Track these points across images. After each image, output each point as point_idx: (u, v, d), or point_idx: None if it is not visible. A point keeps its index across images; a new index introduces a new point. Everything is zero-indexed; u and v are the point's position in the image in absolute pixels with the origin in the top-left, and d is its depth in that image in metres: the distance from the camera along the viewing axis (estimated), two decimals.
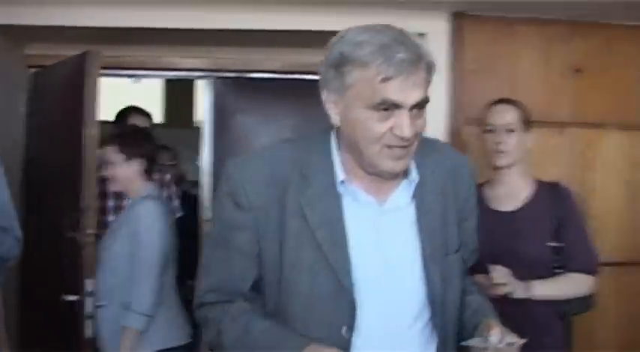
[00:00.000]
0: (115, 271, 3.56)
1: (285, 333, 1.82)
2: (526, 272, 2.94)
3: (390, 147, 1.78)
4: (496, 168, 3.17)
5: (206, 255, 1.99)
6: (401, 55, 1.71)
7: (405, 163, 1.83)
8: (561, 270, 3.04)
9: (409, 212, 1.92)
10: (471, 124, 4.01)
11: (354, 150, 1.85)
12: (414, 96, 1.74)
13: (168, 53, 4.68)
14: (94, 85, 3.86)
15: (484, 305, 2.04)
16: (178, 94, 7.14)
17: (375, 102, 1.74)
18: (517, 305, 2.86)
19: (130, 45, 4.53)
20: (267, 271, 1.88)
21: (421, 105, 1.77)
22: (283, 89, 4.71)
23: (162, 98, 8.01)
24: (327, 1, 3.99)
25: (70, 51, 4.23)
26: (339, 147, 1.91)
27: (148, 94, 7.78)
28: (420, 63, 1.74)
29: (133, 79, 5.94)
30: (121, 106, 4.92)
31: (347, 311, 1.82)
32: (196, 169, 5.28)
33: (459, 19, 4.20)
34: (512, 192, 3.16)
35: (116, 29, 4.14)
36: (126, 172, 3.67)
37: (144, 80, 6.67)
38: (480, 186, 3.19)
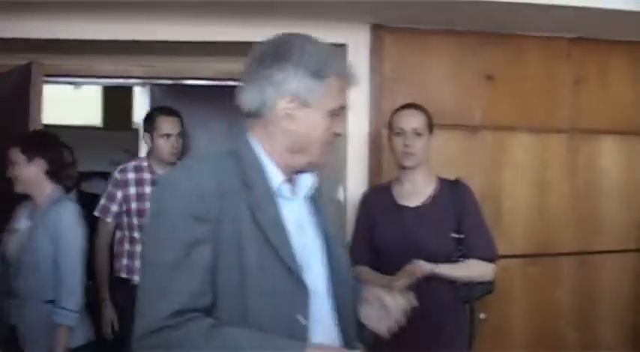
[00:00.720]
0: (38, 272, 3.54)
1: (274, 338, 1.85)
2: (431, 261, 3.16)
3: (330, 143, 2.03)
4: (403, 168, 3.41)
5: (157, 275, 1.86)
6: (348, 67, 2.03)
7: (330, 156, 2.09)
8: (462, 259, 3.29)
9: (309, 206, 2.11)
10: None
11: (292, 152, 2.01)
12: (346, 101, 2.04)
13: (107, 62, 4.86)
14: (39, 92, 4.11)
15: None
16: (117, 99, 7.36)
17: (333, 108, 1.99)
18: (424, 290, 2.91)
19: (71, 54, 4.68)
20: (223, 281, 1.88)
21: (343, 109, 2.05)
22: (214, 95, 4.86)
23: (102, 103, 8.21)
24: (251, 15, 4.17)
25: (15, 60, 4.46)
26: (269, 151, 2.02)
27: (88, 100, 8.00)
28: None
29: (73, 85, 6.11)
30: (63, 111, 5.09)
31: (301, 298, 1.93)
32: None
33: (378, 31, 4.39)
34: (417, 190, 3.41)
35: (57, 40, 4.26)
36: (28, 173, 3.63)
37: (84, 87, 6.83)
38: (389, 184, 3.49)
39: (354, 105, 4.09)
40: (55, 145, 3.76)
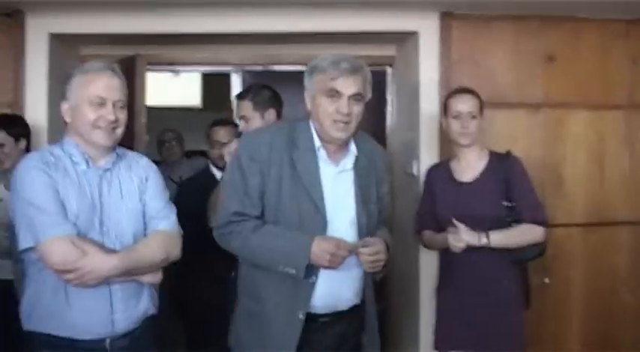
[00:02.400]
0: None
1: (297, 232, 2.84)
2: (486, 229, 3.55)
3: (335, 121, 2.86)
4: (459, 147, 3.82)
5: (227, 190, 2.98)
6: (343, 65, 2.83)
7: (345, 134, 2.89)
8: (515, 224, 3.62)
9: (351, 174, 3.00)
10: None
11: (318, 124, 2.92)
12: (350, 90, 2.84)
13: (203, 51, 5.34)
14: (143, 82, 4.63)
15: (381, 234, 3.05)
16: (215, 82, 7.85)
17: (327, 90, 2.84)
18: (478, 255, 3.53)
19: (171, 45, 5.17)
20: (268, 202, 2.89)
21: (357, 97, 2.86)
22: (301, 80, 5.25)
23: (201, 86, 8.78)
24: (329, 6, 4.55)
25: (120, 51, 5.00)
26: (314, 126, 2.96)
27: (189, 83, 8.55)
28: (356, 72, 2.85)
29: (173, 73, 6.62)
30: (166, 94, 5.54)
31: (322, 228, 2.86)
32: None
33: (446, 18, 4.71)
34: (471, 165, 3.80)
35: (159, 34, 4.77)
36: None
37: (182, 74, 7.33)
38: (448, 161, 3.91)
39: (426, 88, 4.58)
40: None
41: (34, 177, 2.64)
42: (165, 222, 2.87)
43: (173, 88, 7.72)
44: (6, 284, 3.85)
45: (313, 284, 2.84)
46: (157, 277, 2.85)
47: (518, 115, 4.77)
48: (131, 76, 4.59)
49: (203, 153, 5.46)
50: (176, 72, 6.34)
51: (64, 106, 2.79)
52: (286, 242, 2.81)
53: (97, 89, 2.73)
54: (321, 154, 2.93)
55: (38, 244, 2.59)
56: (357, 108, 2.87)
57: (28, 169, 2.67)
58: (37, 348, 2.71)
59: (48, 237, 2.57)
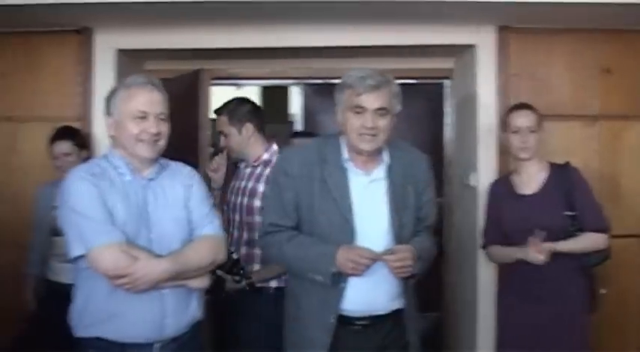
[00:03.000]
0: None
1: (325, 242, 3.01)
2: (551, 239, 3.63)
3: (361, 134, 2.99)
4: (520, 161, 3.91)
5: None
6: (368, 81, 2.96)
7: (372, 145, 3.01)
8: (579, 233, 3.71)
9: (383, 183, 3.10)
10: None
11: (347, 138, 3.07)
12: (375, 105, 2.96)
13: (264, 65, 5.49)
14: (206, 96, 4.77)
15: (417, 240, 3.13)
16: (274, 95, 7.95)
17: (353, 106, 2.99)
18: (547, 263, 3.62)
19: (233, 60, 5.34)
20: (303, 214, 3.09)
21: (382, 111, 2.98)
22: None
23: (260, 99, 8.92)
24: (386, 20, 4.63)
25: (184, 66, 5.16)
26: (345, 139, 3.11)
27: (248, 96, 8.68)
28: (380, 88, 2.97)
29: (235, 87, 6.74)
30: None
31: (350, 238, 3.01)
32: None
33: (504, 32, 4.79)
34: (532, 178, 3.89)
35: (221, 49, 4.94)
36: None
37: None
38: (509, 175, 4.01)
39: (484, 101, 4.67)
40: None
41: (82, 188, 2.74)
42: (210, 226, 2.95)
43: None
44: (68, 288, 4.03)
45: (343, 290, 3.02)
46: (204, 282, 2.94)
47: (575, 127, 4.82)
48: (195, 89, 4.74)
49: None
50: (238, 85, 6.46)
51: (109, 121, 2.89)
52: (314, 251, 3.01)
53: (138, 104, 2.81)
54: (350, 166, 3.08)
55: (88, 252, 2.68)
56: (383, 122, 3.00)
57: (76, 180, 2.76)
58: None
59: (98, 245, 2.66)
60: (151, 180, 2.90)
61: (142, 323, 2.76)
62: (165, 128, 2.89)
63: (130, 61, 5.15)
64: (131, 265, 2.65)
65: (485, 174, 4.77)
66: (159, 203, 2.88)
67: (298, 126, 5.59)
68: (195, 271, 2.86)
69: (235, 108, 4.03)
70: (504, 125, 3.96)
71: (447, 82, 5.57)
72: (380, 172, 3.11)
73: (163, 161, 2.99)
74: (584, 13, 4.44)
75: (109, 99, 2.89)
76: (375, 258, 2.93)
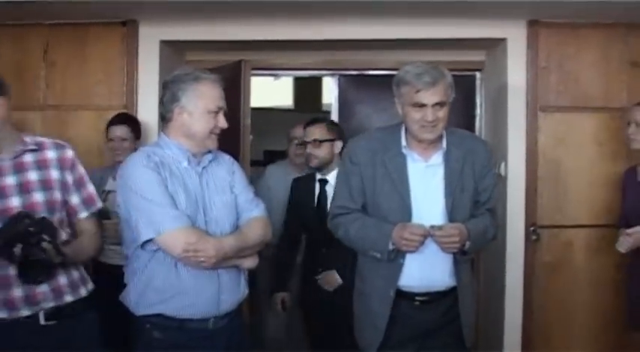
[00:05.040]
0: None
1: (383, 222, 3.24)
2: None
3: (422, 126, 3.17)
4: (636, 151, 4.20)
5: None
6: (425, 78, 3.12)
7: (432, 135, 3.20)
8: None
9: (440, 168, 3.29)
10: (543, 111, 4.96)
11: (408, 128, 3.26)
12: (433, 100, 3.13)
13: (302, 56, 5.67)
14: (248, 86, 4.96)
15: (472, 221, 3.27)
16: (306, 85, 8.12)
17: (413, 103, 3.15)
18: None
19: (272, 51, 5.53)
20: (367, 198, 3.35)
21: (440, 104, 3.15)
22: (391, 84, 5.48)
23: (293, 89, 9.12)
24: (420, 14, 4.80)
25: (225, 57, 5.35)
26: (405, 129, 3.30)
27: (282, 86, 8.91)
28: (437, 83, 3.12)
29: (274, 77, 6.94)
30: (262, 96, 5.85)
31: (407, 218, 3.22)
32: None
33: (534, 26, 4.93)
34: None
35: (260, 41, 5.14)
36: None
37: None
38: (636, 166, 4.29)
39: (513, 93, 4.81)
40: None
41: (147, 175, 2.92)
42: (257, 209, 3.17)
43: (268, 90, 8.09)
44: (117, 270, 4.25)
45: (401, 266, 3.25)
46: (255, 262, 3.16)
47: (604, 119, 4.95)
48: (237, 80, 4.92)
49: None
50: (277, 76, 6.66)
51: (176, 109, 3.02)
52: (374, 230, 3.25)
53: (214, 99, 3.01)
54: (409, 153, 3.28)
55: (160, 236, 2.87)
56: (442, 113, 3.17)
57: (140, 168, 2.95)
58: (148, 330, 3.00)
59: (169, 228, 2.86)
60: (204, 167, 3.09)
61: (202, 300, 2.97)
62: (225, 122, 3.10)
63: (173, 51, 5.37)
64: (204, 244, 2.86)
65: (514, 164, 4.94)
66: (211, 189, 3.07)
67: (334, 116, 5.74)
68: (252, 249, 3.10)
69: None
70: (628, 117, 4.18)
71: (478, 74, 5.70)
72: (437, 158, 3.29)
73: (212, 151, 3.17)
74: (612, 8, 4.56)
75: (176, 87, 3.02)
76: (426, 234, 3.11)
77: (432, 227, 3.11)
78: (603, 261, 4.89)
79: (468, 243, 3.17)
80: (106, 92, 5.12)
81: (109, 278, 4.28)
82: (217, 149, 3.19)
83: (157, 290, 2.97)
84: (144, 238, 2.90)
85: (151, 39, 5.14)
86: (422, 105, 3.13)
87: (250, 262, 3.12)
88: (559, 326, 5.00)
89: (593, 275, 4.97)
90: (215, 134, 3.05)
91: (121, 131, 4.51)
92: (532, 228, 4.95)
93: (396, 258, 3.23)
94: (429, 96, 3.12)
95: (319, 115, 5.08)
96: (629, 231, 3.96)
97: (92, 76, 5.12)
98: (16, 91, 4.95)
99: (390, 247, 3.18)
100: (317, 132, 4.30)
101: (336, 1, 4.50)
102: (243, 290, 3.17)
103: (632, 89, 4.92)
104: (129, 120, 4.62)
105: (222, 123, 3.04)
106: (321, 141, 4.26)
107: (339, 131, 4.36)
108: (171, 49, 5.33)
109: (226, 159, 3.25)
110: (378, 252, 3.23)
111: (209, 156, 3.12)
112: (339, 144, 4.25)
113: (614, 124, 4.92)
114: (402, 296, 3.29)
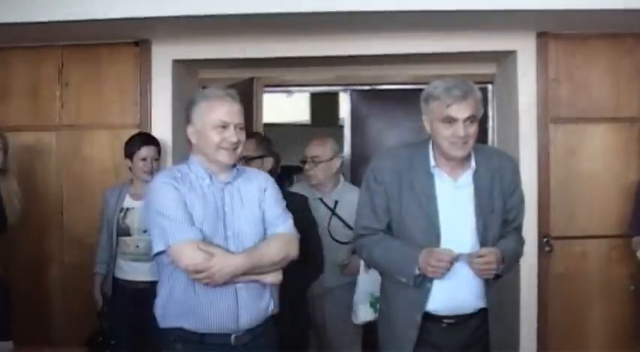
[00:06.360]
0: None
1: (410, 246, 3.14)
2: None
3: (453, 143, 3.06)
4: None
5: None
6: (455, 92, 3.01)
7: (463, 152, 3.08)
8: None
9: (470, 188, 3.17)
10: (554, 122, 4.96)
11: (437, 146, 3.15)
12: (464, 114, 3.02)
13: (313, 73, 5.75)
14: (260, 102, 5.03)
15: (503, 242, 3.18)
16: (323, 99, 8.13)
17: (443, 118, 3.04)
18: None
19: (283, 67, 5.56)
20: (393, 219, 3.23)
21: (471, 119, 3.04)
22: (405, 98, 5.53)
23: (309, 103, 9.17)
24: (430, 27, 4.81)
25: (238, 74, 5.43)
26: (433, 146, 3.19)
27: (299, 101, 8.98)
28: (468, 97, 3.02)
29: (286, 94, 7.03)
30: (278, 111, 5.91)
31: (435, 241, 3.11)
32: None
33: (543, 38, 4.96)
34: None
35: (273, 58, 5.19)
36: None
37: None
38: None
39: (524, 105, 4.85)
40: None
41: (164, 191, 2.99)
42: (283, 226, 3.12)
43: (284, 106, 8.14)
44: (134, 285, 4.41)
45: (428, 290, 3.13)
46: (277, 277, 3.11)
47: (614, 130, 4.97)
48: (249, 97, 4.99)
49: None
50: (290, 92, 6.74)
51: (190, 129, 3.11)
52: (399, 254, 3.16)
53: (220, 115, 3.03)
54: (437, 172, 3.17)
55: (169, 248, 2.95)
56: (473, 129, 3.06)
57: (159, 184, 3.03)
58: (171, 342, 3.04)
59: (177, 242, 2.91)
60: (227, 183, 3.11)
61: (218, 315, 2.98)
62: (242, 137, 3.10)
63: (186, 70, 5.45)
64: (208, 260, 2.88)
65: (526, 176, 4.84)
66: (235, 204, 3.09)
67: (347, 130, 5.81)
68: (269, 266, 3.05)
69: None
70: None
71: (490, 87, 5.73)
72: (467, 178, 3.18)
73: (240, 167, 3.22)
74: (621, 18, 4.57)
75: (189, 109, 3.11)
76: (454, 260, 3.03)
77: (469, 255, 3.04)
78: (616, 272, 4.90)
79: (501, 267, 3.09)
80: (120, 111, 5.20)
81: (126, 293, 4.43)
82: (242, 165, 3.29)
83: (177, 303, 3.01)
84: (155, 250, 2.98)
85: (163, 58, 5.21)
86: (452, 121, 3.03)
87: (272, 278, 3.09)
88: (573, 337, 5.00)
89: (606, 285, 4.96)
90: (225, 148, 3.05)
91: (153, 151, 4.56)
92: (545, 240, 4.96)
93: (422, 282, 3.13)
94: (461, 111, 3.03)
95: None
96: None
97: (106, 95, 5.20)
98: (31, 112, 5.19)
99: (416, 272, 3.09)
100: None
101: (346, 17, 4.52)
102: (267, 306, 3.14)
103: (638, 99, 4.95)
104: (155, 139, 4.67)
105: (231, 136, 3.04)
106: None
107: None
108: (184, 68, 5.40)
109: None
110: (404, 277, 3.14)
111: (233, 172, 3.15)
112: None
113: (625, 134, 4.95)
114: (429, 319, 3.18)
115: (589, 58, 5.00)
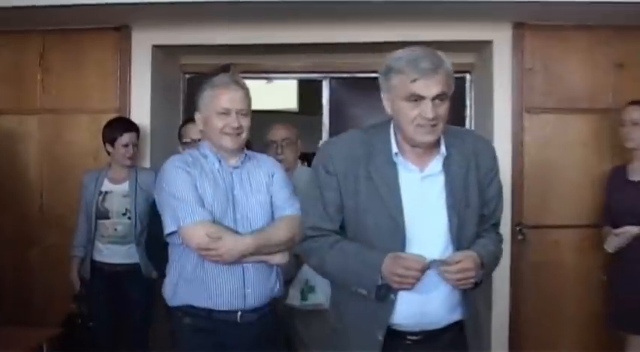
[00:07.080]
0: None
1: (371, 250, 2.57)
2: None
3: (420, 125, 2.50)
4: (630, 150, 4.28)
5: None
6: (423, 64, 2.44)
7: (432, 137, 2.54)
8: None
9: (440, 178, 2.62)
10: (529, 112, 5.04)
11: (400, 130, 2.58)
12: (434, 91, 2.45)
13: (293, 60, 5.78)
14: None
15: (481, 243, 2.65)
16: (310, 87, 8.15)
17: (407, 95, 2.47)
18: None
19: (263, 54, 5.59)
20: (347, 216, 2.65)
21: (441, 97, 2.48)
22: None
23: (297, 91, 9.21)
24: (407, 16, 4.87)
25: (215, 60, 5.44)
26: (395, 130, 2.63)
27: (285, 89, 9.00)
28: (437, 70, 2.46)
29: (265, 80, 7.07)
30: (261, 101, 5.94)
31: (399, 243, 2.55)
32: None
33: (519, 28, 5.02)
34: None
35: (250, 45, 5.24)
36: None
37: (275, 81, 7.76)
38: (625, 164, 4.38)
39: (499, 94, 4.90)
40: None
41: (176, 175, 3.11)
42: (291, 209, 3.21)
43: (271, 92, 8.15)
44: (113, 268, 4.52)
45: (393, 303, 2.58)
46: (284, 258, 3.23)
47: (589, 120, 5.05)
48: None
49: None
50: (269, 79, 6.77)
51: (197, 117, 3.24)
52: (358, 261, 2.58)
53: (222, 101, 3.14)
54: (400, 161, 2.61)
55: (180, 229, 3.04)
56: (443, 108, 2.51)
57: (172, 168, 3.15)
58: (180, 317, 3.17)
59: (188, 223, 3.02)
60: (236, 168, 3.23)
61: (226, 292, 3.10)
62: (245, 122, 3.20)
63: (166, 56, 5.49)
64: (216, 240, 2.99)
65: (500, 164, 4.73)
66: (244, 188, 3.21)
67: (326, 118, 5.83)
68: (276, 247, 3.16)
69: None
70: (621, 117, 4.32)
71: (468, 76, 5.77)
72: (436, 166, 2.62)
73: (249, 152, 3.33)
74: (598, 10, 4.64)
75: (198, 97, 3.23)
76: (425, 268, 2.48)
77: (435, 261, 2.49)
78: (589, 261, 4.95)
79: (480, 273, 2.53)
80: (100, 96, 5.24)
81: (104, 275, 4.50)
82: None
83: (186, 282, 3.13)
84: (167, 231, 3.11)
85: (143, 44, 5.25)
86: (419, 99, 2.46)
87: (279, 258, 3.20)
88: (546, 326, 5.07)
89: (579, 274, 5.04)
90: (228, 134, 3.15)
91: (134, 137, 4.64)
92: (518, 228, 5.04)
93: (386, 294, 2.57)
94: (429, 87, 2.45)
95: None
96: (616, 231, 4.08)
97: (87, 80, 5.24)
98: (13, 96, 5.22)
99: (379, 282, 2.51)
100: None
101: (326, 5, 4.59)
102: (273, 286, 3.25)
103: (618, 90, 5.00)
104: (135, 125, 4.73)
105: (233, 122, 3.14)
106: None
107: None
108: (164, 54, 5.44)
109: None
110: (364, 288, 2.56)
111: (241, 157, 3.26)
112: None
113: (599, 125, 5.02)
114: (391, 335, 2.62)
115: (565, 49, 5.07)
